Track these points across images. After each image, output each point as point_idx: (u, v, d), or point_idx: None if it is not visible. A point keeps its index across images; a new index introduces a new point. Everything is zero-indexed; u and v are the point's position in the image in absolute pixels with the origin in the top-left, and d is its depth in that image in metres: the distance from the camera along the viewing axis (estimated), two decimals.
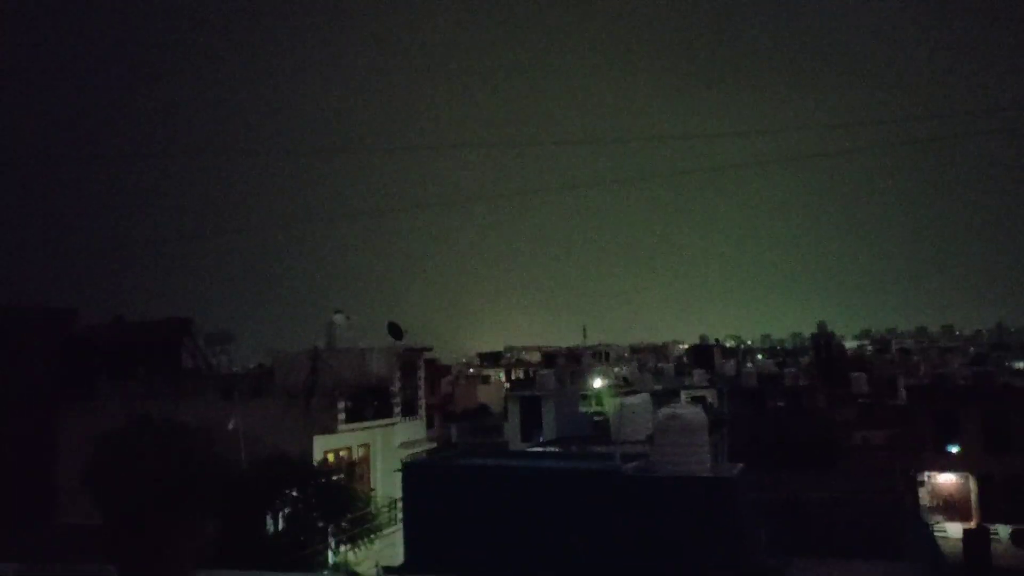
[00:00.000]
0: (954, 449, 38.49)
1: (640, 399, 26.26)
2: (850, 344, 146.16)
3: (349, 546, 19.35)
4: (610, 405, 34.72)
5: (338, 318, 27.24)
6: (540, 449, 24.89)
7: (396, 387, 27.13)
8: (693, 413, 15.78)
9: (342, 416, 23.83)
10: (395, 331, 27.96)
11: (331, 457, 23.55)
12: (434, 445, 29.69)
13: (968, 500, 37.72)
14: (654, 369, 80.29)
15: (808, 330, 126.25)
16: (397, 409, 26.93)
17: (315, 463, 21.79)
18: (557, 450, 22.74)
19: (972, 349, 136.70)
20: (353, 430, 24.47)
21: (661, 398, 37.53)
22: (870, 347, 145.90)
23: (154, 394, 23.45)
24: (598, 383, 61.04)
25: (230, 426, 20.66)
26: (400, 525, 19.81)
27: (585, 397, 52.46)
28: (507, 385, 72.50)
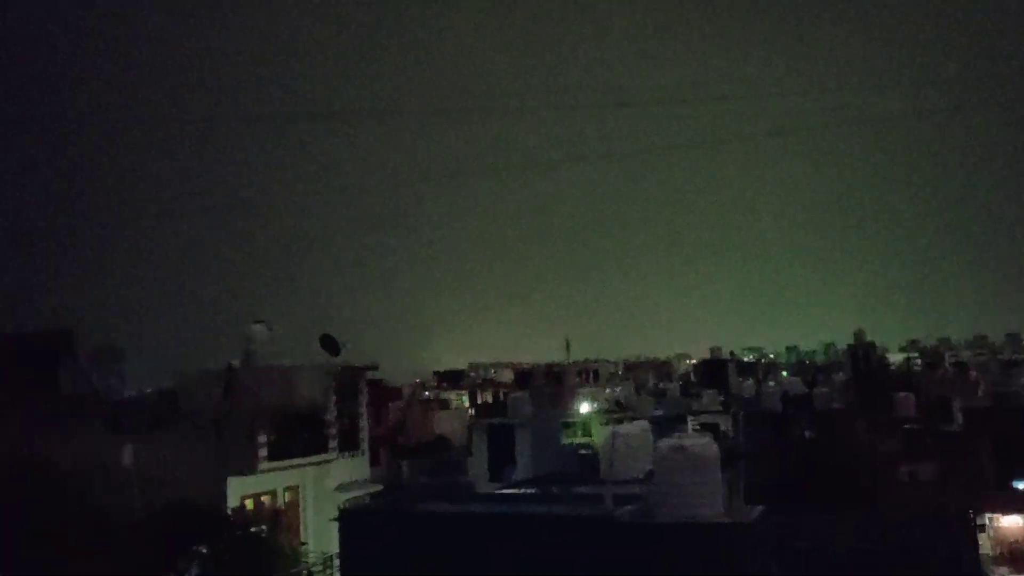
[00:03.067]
0: (1022, 486, 39.22)
1: (637, 427, 26.38)
2: (894, 357, 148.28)
3: None
4: (599, 435, 34.82)
5: (258, 329, 27.14)
6: (513, 491, 24.89)
7: (332, 415, 27.08)
8: (702, 445, 15.94)
9: (264, 452, 23.74)
10: (330, 345, 27.92)
11: (250, 504, 23.44)
12: (380, 487, 29.63)
13: None
14: (654, 390, 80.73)
15: (843, 340, 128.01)
16: (333, 443, 26.89)
17: (230, 511, 21.67)
18: (534, 492, 22.76)
19: None
20: (278, 469, 24.38)
21: (663, 426, 37.72)
22: (918, 361, 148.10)
23: (24, 426, 23.13)
24: (585, 408, 61.26)
25: (123, 464, 20.51)
26: None
27: (569, 425, 52.56)
28: (471, 411, 72.52)
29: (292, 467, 25.17)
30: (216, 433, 23.58)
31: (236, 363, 26.76)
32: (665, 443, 16.12)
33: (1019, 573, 37.29)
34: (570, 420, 54.38)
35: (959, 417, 54.07)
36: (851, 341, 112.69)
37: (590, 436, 48.94)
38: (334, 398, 27.31)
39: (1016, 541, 39.13)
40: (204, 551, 19.12)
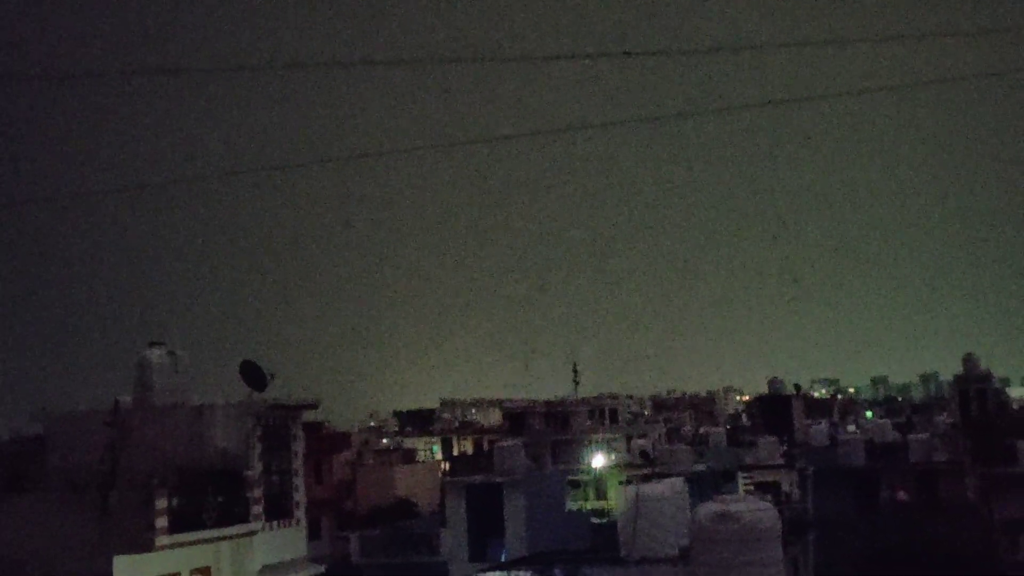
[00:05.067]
0: None
1: (667, 487, 26.51)
2: (1018, 392, 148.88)
3: None
4: (619, 498, 34.93)
5: (154, 354, 27.06)
6: (501, 574, 25.03)
7: (256, 471, 27.02)
8: (756, 511, 16.05)
9: (163, 522, 23.66)
10: (254, 375, 27.85)
11: None
12: (321, 569, 29.60)
13: None
14: (692, 436, 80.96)
15: (948, 371, 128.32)
16: (257, 508, 26.82)
17: None
18: (530, 575, 22.93)
19: None
20: (182, 545, 24.31)
21: (704, 485, 37.89)
22: None
23: None
24: (599, 461, 61.44)
25: None
26: None
27: (577, 485, 52.76)
28: (445, 465, 72.60)
29: (202, 542, 25.08)
30: (99, 496, 23.50)
31: (126, 400, 26.68)
32: (707, 509, 16.24)
33: None
34: (579, 478, 54.63)
35: None
36: (958, 371, 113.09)
37: (606, 499, 49.17)
38: (259, 448, 27.23)
39: None
40: None
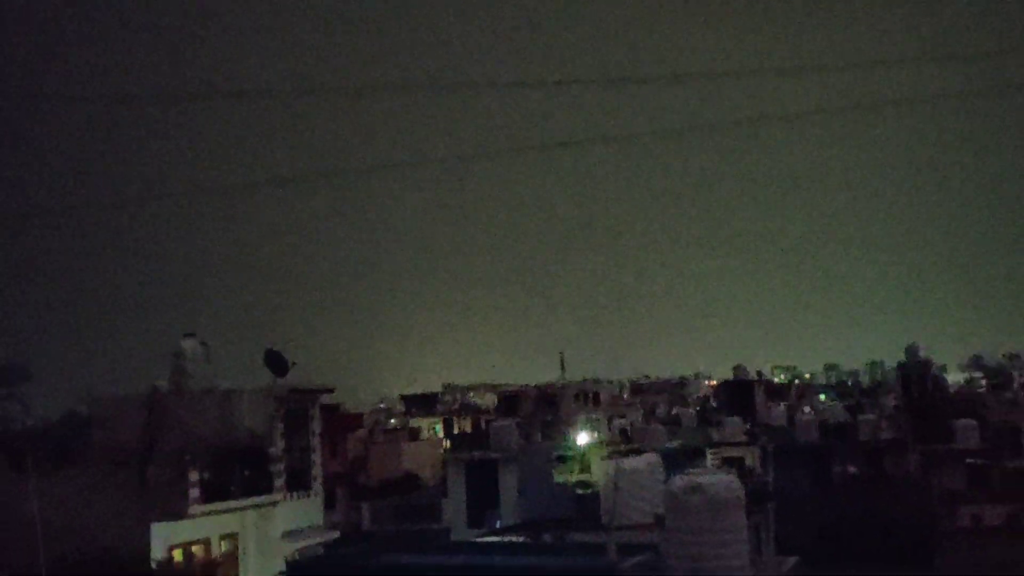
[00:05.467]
0: None
1: (644, 462, 26.59)
2: (954, 378, 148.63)
3: None
4: (600, 471, 34.97)
5: (189, 345, 26.99)
6: (496, 539, 25.01)
7: (278, 448, 27.01)
8: (722, 483, 16.08)
9: (196, 493, 23.66)
10: (276, 363, 27.83)
11: (179, 555, 23.38)
12: (336, 534, 29.61)
13: None
14: (666, 417, 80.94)
15: (893, 358, 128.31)
16: (279, 481, 26.81)
17: (155, 564, 21.61)
18: (522, 540, 22.90)
19: None
20: (213, 513, 24.31)
21: (677, 460, 37.86)
22: (983, 382, 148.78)
23: None
24: (583, 439, 61.34)
25: (24, 509, 20.41)
26: None
27: (564, 459, 52.66)
28: (447, 443, 72.48)
29: (230, 511, 25.06)
30: (138, 470, 23.46)
31: (162, 385, 26.61)
32: (678, 481, 16.25)
33: None
34: (566, 453, 54.53)
35: None
36: (902, 359, 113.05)
37: (589, 473, 49.10)
38: (281, 427, 27.21)
39: None
40: None
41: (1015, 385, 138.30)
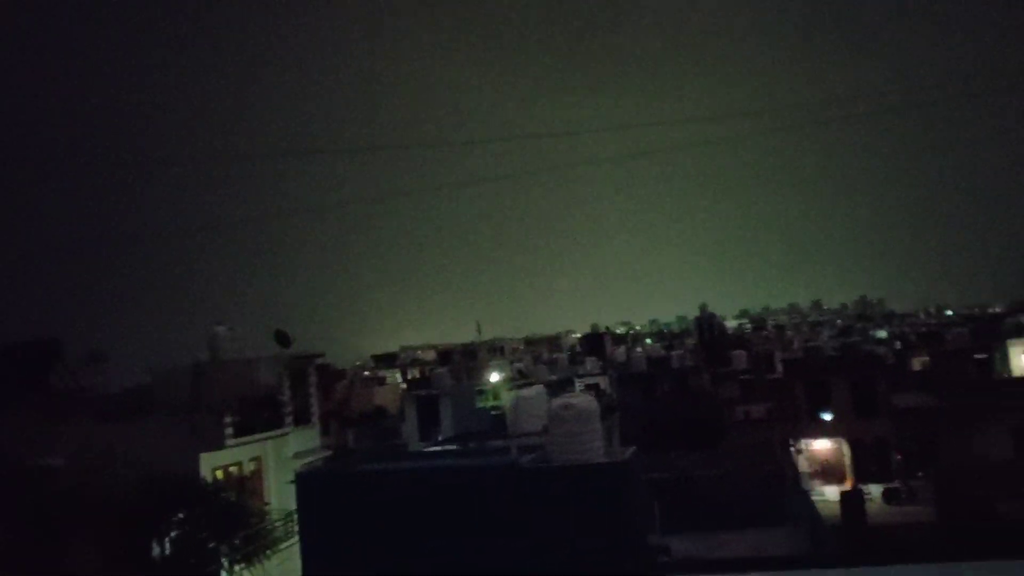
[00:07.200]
0: (827, 417, 40.92)
1: (534, 391, 26.46)
2: (731, 324, 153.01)
3: (243, 565, 18.58)
4: (506, 399, 34.89)
5: (220, 330, 26.15)
6: (438, 448, 24.70)
7: (287, 396, 26.32)
8: (585, 401, 16.03)
9: (230, 431, 22.88)
10: (282, 339, 27.13)
11: (220, 474, 22.58)
12: (330, 453, 28.98)
13: (843, 464, 40.23)
14: (548, 360, 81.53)
15: (692, 313, 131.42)
16: (289, 419, 26.13)
17: (202, 482, 20.82)
18: (455, 447, 22.61)
19: (839, 321, 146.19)
20: (242, 444, 23.56)
21: (556, 388, 38.03)
22: (749, 325, 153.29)
23: (20, 423, 21.77)
24: (494, 377, 61.37)
25: (111, 449, 19.47)
26: (298, 538, 19.20)
27: (482, 392, 52.57)
28: (403, 386, 71.83)
29: (254, 441, 24.34)
30: (188, 418, 22.62)
31: (203, 359, 25.73)
32: (556, 402, 16.17)
33: (828, 483, 38.92)
34: (483, 388, 54.47)
35: (780, 367, 56.22)
36: (698, 313, 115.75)
37: (499, 400, 49.10)
38: (288, 383, 26.53)
39: (826, 460, 40.83)
40: (182, 516, 18.32)
41: (768, 327, 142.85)
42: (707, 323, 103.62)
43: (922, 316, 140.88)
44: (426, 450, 24.75)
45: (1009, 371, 50.75)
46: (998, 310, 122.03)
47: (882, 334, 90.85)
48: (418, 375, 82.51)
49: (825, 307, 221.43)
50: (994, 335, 56.72)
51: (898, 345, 70.22)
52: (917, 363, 58.24)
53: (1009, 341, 52.72)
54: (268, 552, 19.13)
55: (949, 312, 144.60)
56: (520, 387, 38.68)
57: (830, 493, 36.99)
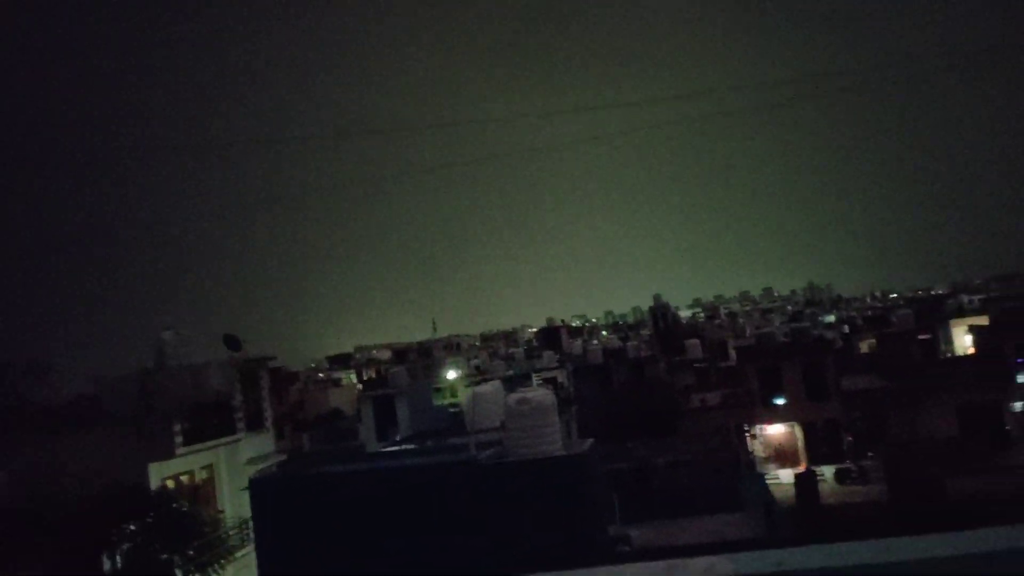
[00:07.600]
0: (780, 401, 41.78)
1: (491, 386, 26.41)
2: (684, 313, 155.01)
3: (198, 575, 18.20)
4: (464, 395, 34.79)
5: (168, 335, 25.50)
6: (396, 448, 24.50)
7: (238, 401, 25.81)
8: (541, 395, 16.05)
9: (180, 439, 22.35)
10: (232, 343, 26.59)
11: (171, 483, 22.05)
12: (284, 457, 28.52)
13: (796, 447, 41.16)
14: (505, 355, 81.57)
15: (646, 304, 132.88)
16: (241, 424, 25.63)
17: (153, 491, 20.31)
18: (413, 446, 22.46)
19: (789, 308, 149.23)
20: (193, 451, 23.03)
21: (514, 383, 38.08)
22: (702, 314, 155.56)
23: None
24: (451, 375, 61.16)
25: (57, 461, 18.85)
26: (253, 545, 18.86)
27: (439, 390, 52.38)
28: (359, 386, 71.13)
29: (206, 448, 23.81)
30: (136, 427, 22.01)
31: (151, 365, 25.05)
32: (514, 397, 16.16)
33: (782, 467, 39.79)
34: (440, 386, 54.28)
35: (733, 354, 57.16)
36: (652, 304, 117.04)
37: (456, 397, 49.00)
38: (239, 387, 26.01)
39: (780, 444, 41.72)
40: (132, 528, 17.85)
41: (721, 315, 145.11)
42: (661, 313, 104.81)
43: (868, 300, 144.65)
44: (384, 450, 24.52)
45: (952, 350, 52.47)
46: (941, 292, 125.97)
47: (830, 319, 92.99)
48: (374, 375, 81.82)
49: (776, 294, 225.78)
50: (937, 316, 58.53)
51: (846, 329, 71.93)
52: (864, 346, 59.73)
53: (951, 321, 54.50)
54: (223, 561, 18.75)
55: (894, 295, 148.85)
56: (477, 383, 38.61)
57: (784, 476, 37.76)
